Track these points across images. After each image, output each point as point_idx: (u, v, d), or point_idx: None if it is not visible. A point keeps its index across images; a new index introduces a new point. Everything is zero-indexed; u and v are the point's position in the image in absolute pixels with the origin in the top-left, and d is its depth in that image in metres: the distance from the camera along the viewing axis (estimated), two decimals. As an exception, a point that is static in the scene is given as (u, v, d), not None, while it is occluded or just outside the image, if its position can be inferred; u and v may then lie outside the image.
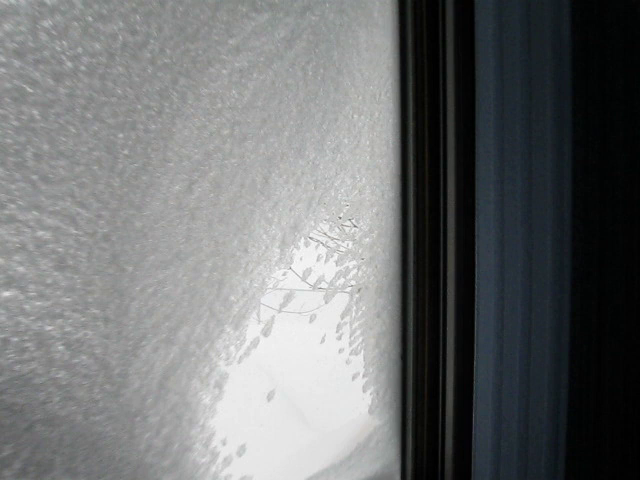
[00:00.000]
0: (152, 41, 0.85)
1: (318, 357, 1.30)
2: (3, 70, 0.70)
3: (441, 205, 1.34)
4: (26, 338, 0.75)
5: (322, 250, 1.29)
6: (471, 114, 1.24)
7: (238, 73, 0.99)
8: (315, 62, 1.16)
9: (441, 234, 1.36)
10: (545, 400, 1.17)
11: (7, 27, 0.70)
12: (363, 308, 1.38)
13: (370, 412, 1.41)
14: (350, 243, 1.36)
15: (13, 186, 0.72)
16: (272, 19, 1.05)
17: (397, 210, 1.44)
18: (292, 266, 1.18)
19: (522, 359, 1.21)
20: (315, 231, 1.24)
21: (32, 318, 0.75)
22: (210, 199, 0.97)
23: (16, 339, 0.74)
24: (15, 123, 0.72)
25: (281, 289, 1.17)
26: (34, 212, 0.74)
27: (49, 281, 0.76)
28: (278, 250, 1.12)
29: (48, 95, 0.74)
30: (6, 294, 0.73)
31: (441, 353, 1.40)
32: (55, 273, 0.77)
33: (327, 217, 1.26)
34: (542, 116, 1.08)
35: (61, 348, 0.79)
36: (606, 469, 1.22)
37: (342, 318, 1.33)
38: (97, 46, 0.79)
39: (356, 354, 1.37)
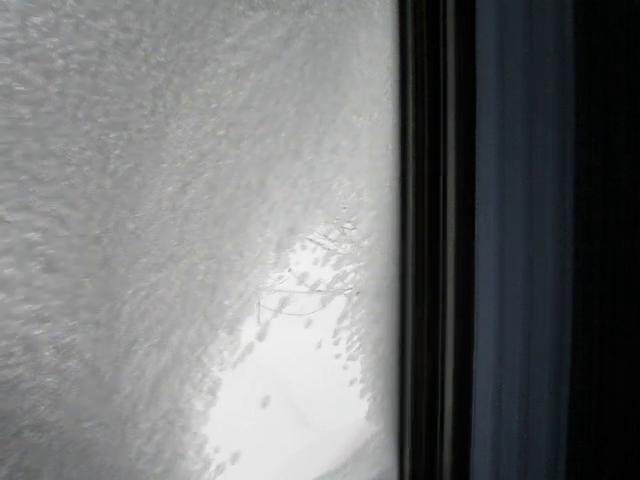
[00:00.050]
0: (145, 39, 0.84)
1: (314, 363, 1.29)
2: (-8, 67, 0.69)
3: (441, 208, 1.34)
4: (13, 342, 0.74)
5: (319, 253, 1.28)
6: (472, 115, 1.23)
7: (234, 72, 0.98)
8: (313, 62, 1.15)
9: (440, 237, 1.36)
10: (545, 409, 1.17)
11: (-4, 23, 0.70)
12: (361, 313, 1.37)
13: (367, 418, 1.41)
14: (348, 246, 1.35)
15: (1, 186, 0.71)
16: (269, 18, 1.04)
17: (396, 213, 1.43)
18: (288, 270, 1.17)
19: (522, 364, 1.20)
20: (312, 234, 1.23)
21: (20, 322, 0.74)
22: (204, 201, 0.96)
23: (3, 343, 0.73)
24: (4, 122, 0.71)
25: (280, 291, 1.16)
26: (23, 213, 0.73)
27: (38, 284, 0.75)
28: (274, 253, 1.11)
29: (38, 93, 0.73)
30: (-7, 297, 0.72)
31: (440, 359, 1.39)
32: (44, 275, 0.76)
33: (324, 220, 1.25)
34: (544, 117, 1.07)
35: (50, 353, 0.78)
36: (607, 470, 1.21)
37: (339, 323, 1.32)
38: (89, 43, 0.78)
39: (353, 359, 1.36)
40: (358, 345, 1.37)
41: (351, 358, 1.35)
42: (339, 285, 1.33)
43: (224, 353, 1.03)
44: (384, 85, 1.40)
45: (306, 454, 1.26)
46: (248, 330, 1.07)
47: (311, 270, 1.26)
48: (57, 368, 0.79)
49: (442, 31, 1.33)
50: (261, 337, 1.12)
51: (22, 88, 0.72)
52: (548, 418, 1.17)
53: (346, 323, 1.34)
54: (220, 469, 1.05)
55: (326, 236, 1.30)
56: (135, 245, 0.86)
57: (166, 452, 0.95)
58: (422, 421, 1.42)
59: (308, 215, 1.19)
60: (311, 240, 1.24)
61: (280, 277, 1.15)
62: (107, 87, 0.80)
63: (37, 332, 0.76)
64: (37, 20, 0.73)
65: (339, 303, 1.32)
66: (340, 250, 1.34)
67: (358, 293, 1.37)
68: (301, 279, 1.24)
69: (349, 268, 1.35)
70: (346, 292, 1.35)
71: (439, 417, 1.38)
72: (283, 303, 1.17)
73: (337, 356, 1.32)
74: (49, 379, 0.78)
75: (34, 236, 0.74)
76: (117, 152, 0.82)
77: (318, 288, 1.28)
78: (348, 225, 1.37)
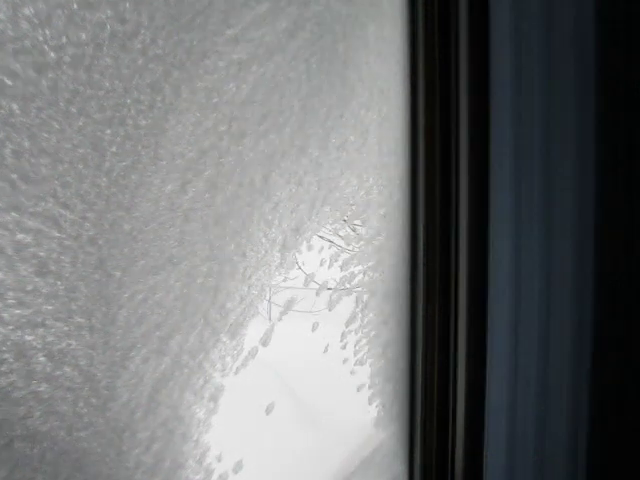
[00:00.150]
0: (143, 31, 0.82)
1: (321, 368, 1.27)
2: (-20, 61, 0.68)
3: (452, 207, 1.32)
4: (4, 349, 0.72)
5: (326, 254, 1.26)
6: (485, 110, 1.21)
7: (236, 65, 0.96)
8: (319, 55, 1.13)
9: (452, 237, 1.34)
10: (563, 416, 1.14)
11: (-15, 14, 0.68)
12: (369, 315, 1.36)
13: (376, 425, 1.39)
14: (356, 246, 1.34)
15: (-10, 185, 0.70)
16: (273, 8, 1.02)
17: (406, 212, 1.42)
18: (294, 271, 1.15)
19: (539, 371, 1.18)
20: (319, 234, 1.22)
21: (11, 327, 0.72)
22: (205, 200, 0.94)
23: (-7, 350, 0.71)
24: (-7, 118, 0.69)
25: (285, 293, 1.15)
26: (13, 213, 0.71)
27: (29, 287, 0.73)
28: (278, 254, 1.10)
29: (29, 88, 0.71)
30: (-17, 301, 0.70)
31: (451, 363, 1.37)
32: (36, 279, 0.74)
33: (331, 219, 1.23)
34: (563, 111, 1.05)
35: (42, 359, 0.76)
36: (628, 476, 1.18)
37: (347, 326, 1.31)
38: (83, 36, 0.76)
39: (361, 364, 1.35)
40: (367, 349, 1.36)
41: (359, 362, 1.34)
42: (347, 286, 1.31)
43: (226, 358, 1.01)
44: (393, 79, 1.38)
45: (312, 462, 1.25)
46: (252, 334, 1.06)
47: (318, 271, 1.25)
48: (50, 375, 0.77)
49: (454, 23, 1.31)
50: (265, 342, 1.10)
51: (12, 82, 0.70)
52: (566, 426, 1.14)
53: (354, 326, 1.33)
54: (222, 478, 1.04)
55: (333, 236, 1.29)
56: (132, 246, 0.84)
57: (166, 461, 0.93)
58: (433, 428, 1.41)
59: (314, 214, 1.17)
60: (318, 240, 1.22)
61: (285, 279, 1.13)
62: (102, 81, 0.78)
63: (29, 338, 0.74)
64: (28, 11, 0.71)
65: (347, 305, 1.31)
66: (348, 250, 1.32)
67: (366, 295, 1.36)
68: (307, 281, 1.22)
69: (357, 269, 1.34)
70: (354, 294, 1.33)
71: (451, 424, 1.36)
72: (288, 306, 1.15)
73: (345, 361, 1.31)
74: (42, 387, 0.76)
75: (25, 238, 0.72)
76: (113, 149, 0.80)
77: (325, 290, 1.26)
78: (356, 224, 1.35)
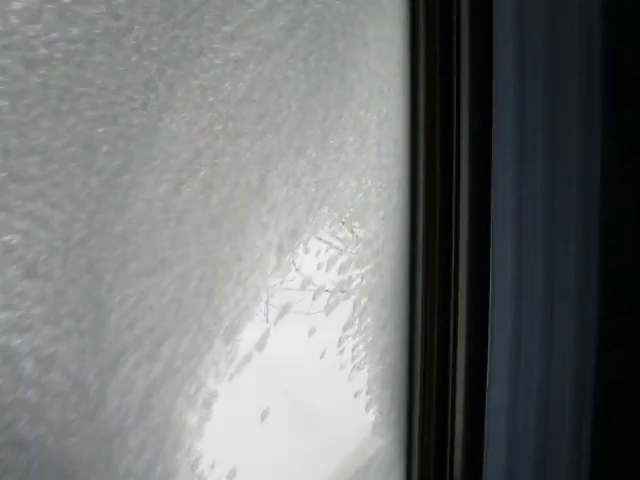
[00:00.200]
0: (137, 27, 0.81)
1: (317, 374, 1.26)
2: (-32, 56, 0.66)
3: (453, 209, 1.31)
4: (-10, 353, 0.71)
5: (323, 257, 1.25)
6: (487, 111, 1.20)
7: (233, 64, 0.95)
8: (318, 53, 1.13)
9: (453, 240, 1.33)
10: (567, 424, 1.13)
11: (-27, 8, 0.66)
12: (367, 320, 1.36)
13: (373, 432, 1.39)
14: (354, 249, 1.33)
15: (-23, 185, 0.68)
16: (271, 5, 1.01)
17: (405, 215, 1.42)
18: (290, 274, 1.14)
19: (540, 378, 1.17)
20: (316, 237, 1.21)
21: (-3, 331, 0.71)
22: (200, 201, 0.93)
23: (-22, 355, 0.70)
24: (-20, 115, 0.68)
25: (281, 297, 1.14)
26: (0, 214, 0.70)
27: (17, 290, 0.72)
28: (275, 257, 1.09)
29: (18, 84, 0.70)
30: (-31, 304, 0.69)
31: (451, 369, 1.37)
32: (24, 282, 0.72)
33: (329, 222, 1.22)
34: (567, 109, 1.03)
35: (30, 364, 0.74)
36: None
37: (344, 331, 1.30)
38: (75, 31, 0.75)
39: (359, 370, 1.34)
40: (364, 354, 1.35)
41: (356, 368, 1.33)
42: (344, 291, 1.30)
43: (220, 364, 1.00)
44: (393, 79, 1.38)
45: (307, 470, 1.24)
46: (246, 339, 1.04)
47: (314, 275, 1.24)
48: (38, 381, 0.76)
49: (456, 23, 1.30)
50: (260, 347, 1.09)
51: (0, 79, 0.68)
52: (569, 435, 1.13)
53: (351, 331, 1.32)
54: (215, 487, 1.02)
55: (331, 239, 1.27)
56: (123, 249, 0.83)
57: (157, 469, 0.92)
58: (431, 437, 1.40)
59: (312, 216, 1.17)
60: (315, 242, 1.21)
61: (281, 282, 1.12)
62: (94, 78, 0.77)
63: (16, 342, 0.73)
64: (18, 5, 0.70)
65: (344, 310, 1.31)
66: (346, 253, 1.31)
67: (364, 300, 1.35)
68: (304, 284, 1.21)
69: (355, 273, 1.33)
70: (352, 298, 1.32)
71: (449, 432, 1.35)
72: (284, 310, 1.14)
73: (342, 367, 1.30)
74: (29, 393, 0.75)
75: (13, 239, 0.71)
76: (105, 148, 0.79)
77: (322, 294, 1.25)
78: (354, 227, 1.34)
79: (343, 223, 1.28)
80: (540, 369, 1.17)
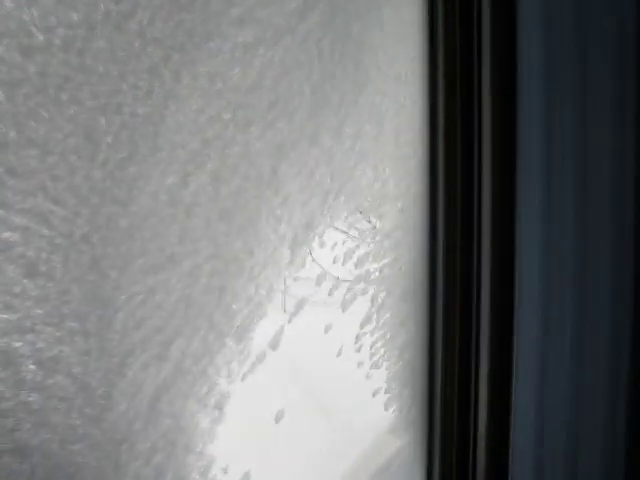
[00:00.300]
0: (140, 10, 0.79)
1: (334, 372, 1.24)
2: (-39, 44, 0.65)
3: (475, 200, 1.28)
4: (-10, 356, 0.69)
5: (339, 251, 1.23)
6: (511, 96, 1.16)
7: (242, 49, 0.93)
8: (331, 37, 1.10)
9: (475, 233, 1.31)
10: (599, 426, 1.09)
11: (-34, -7, 0.65)
12: (386, 316, 1.34)
13: (392, 432, 1.38)
14: (372, 242, 1.30)
15: (-26, 180, 0.67)
16: (281, -14, 0.99)
17: (424, 205, 1.39)
18: (305, 269, 1.12)
19: (571, 377, 1.13)
20: (332, 229, 1.19)
21: (-3, 333, 0.70)
22: (209, 193, 0.91)
23: (-23, 358, 0.69)
24: (-24, 106, 0.66)
25: (295, 293, 1.12)
26: (-1, 210, 0.68)
27: (17, 290, 0.71)
28: (288, 251, 1.07)
29: (15, 73, 0.68)
30: (-33, 305, 0.67)
31: (473, 367, 1.35)
32: (24, 281, 0.71)
33: (345, 213, 1.20)
34: (599, 96, 1.00)
35: (32, 367, 0.73)
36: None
37: (362, 327, 1.29)
38: (74, 16, 0.73)
39: (377, 368, 1.33)
40: (383, 352, 1.34)
41: (375, 366, 1.32)
42: (362, 285, 1.28)
43: (232, 364, 0.99)
44: (411, 63, 1.35)
45: (324, 472, 1.23)
46: (259, 338, 1.03)
47: (330, 269, 1.22)
48: (41, 384, 0.74)
49: (477, 2, 1.26)
50: (274, 345, 1.07)
51: (-4, 67, 0.67)
52: (601, 440, 1.10)
53: (369, 327, 1.31)
54: (229, 491, 1.01)
55: (347, 231, 1.25)
56: (129, 244, 0.81)
57: (167, 475, 0.91)
58: (453, 435, 1.39)
59: (327, 208, 1.15)
60: (331, 235, 1.19)
61: (296, 278, 1.10)
62: (96, 66, 0.75)
63: (17, 344, 0.72)
64: (13, -11, 0.68)
65: (362, 305, 1.29)
66: (363, 247, 1.29)
67: (383, 294, 1.33)
68: (319, 279, 1.19)
69: (373, 266, 1.31)
70: (369, 293, 1.30)
71: (472, 432, 1.33)
72: (299, 307, 1.12)
73: (359, 364, 1.29)
74: (32, 397, 0.74)
75: (12, 236, 0.70)
76: (108, 139, 0.77)
77: (338, 289, 1.23)
78: (371, 218, 1.32)
79: (360, 214, 1.26)
80: (570, 368, 1.14)
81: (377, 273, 1.32)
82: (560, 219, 1.11)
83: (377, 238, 1.31)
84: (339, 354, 1.24)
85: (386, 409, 1.35)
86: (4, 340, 0.70)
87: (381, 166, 1.28)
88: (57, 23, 0.72)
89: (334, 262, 1.23)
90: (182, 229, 0.88)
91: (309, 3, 1.04)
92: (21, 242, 0.71)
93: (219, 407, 0.97)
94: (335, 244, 1.21)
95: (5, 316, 0.70)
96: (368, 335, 1.30)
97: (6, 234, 0.69)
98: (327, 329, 1.21)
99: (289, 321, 1.10)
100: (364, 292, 1.29)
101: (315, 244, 1.14)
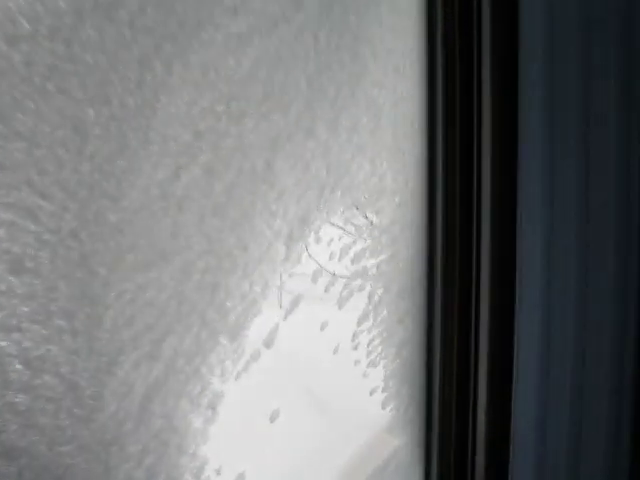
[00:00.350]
0: (130, -2, 0.78)
1: (330, 370, 1.24)
2: (-57, 32, 0.63)
3: (474, 195, 1.28)
4: (-26, 356, 0.68)
5: (336, 246, 1.22)
6: (512, 89, 1.16)
7: (235, 39, 0.92)
8: (328, 28, 1.09)
9: (474, 228, 1.30)
10: (602, 428, 1.09)
11: (-52, -21, 0.63)
12: (383, 313, 1.34)
13: (389, 431, 1.38)
14: (369, 238, 1.30)
15: (-43, 173, 0.65)
16: (277, -25, 0.97)
17: (423, 201, 1.39)
18: (300, 265, 1.12)
19: (573, 377, 1.13)
20: (328, 224, 1.18)
21: (-18, 332, 0.68)
22: (201, 188, 0.90)
23: (-39, 358, 0.68)
24: (-42, 97, 0.65)
25: (290, 290, 1.11)
26: (-18, 205, 0.67)
27: (3, 287, 0.69)
28: (284, 247, 1.06)
29: (-1, 62, 0.67)
30: (-49, 303, 0.66)
31: (472, 365, 1.35)
32: (10, 278, 0.70)
33: (342, 208, 1.20)
34: (604, 89, 0.99)
35: (19, 367, 0.72)
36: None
37: (359, 325, 1.28)
38: (61, 4, 0.72)
39: (374, 366, 1.32)
40: (380, 349, 1.34)
41: (372, 364, 1.32)
42: (358, 282, 1.28)
43: (226, 362, 0.98)
44: (409, 55, 1.35)
45: (319, 472, 1.22)
46: (254, 335, 1.02)
47: (327, 265, 1.21)
48: (28, 385, 0.73)
49: (476, -7, 1.25)
50: (269, 343, 1.07)
51: (-21, 56, 0.65)
52: (604, 438, 1.09)
53: (366, 325, 1.30)
54: (222, 493, 1.00)
55: (344, 226, 1.24)
56: (119, 240, 0.80)
57: (159, 477, 0.90)
58: (451, 435, 1.39)
59: (323, 203, 1.14)
60: (327, 230, 1.18)
61: (291, 274, 1.09)
62: (84, 55, 0.74)
63: (3, 343, 0.70)
64: (-2, -25, 0.66)
65: (358, 302, 1.28)
66: (360, 242, 1.28)
67: (380, 290, 1.32)
68: (315, 276, 1.18)
69: (370, 262, 1.31)
70: (366, 290, 1.30)
71: (471, 431, 1.33)
72: (294, 304, 1.11)
73: (356, 362, 1.28)
74: (19, 398, 0.73)
75: (-3, 231, 0.68)
76: (96, 132, 0.76)
77: (334, 286, 1.22)
78: (368, 213, 1.31)
79: (357, 209, 1.25)
80: (572, 367, 1.14)
81: (374, 269, 1.32)
82: (561, 215, 1.10)
83: (374, 234, 1.31)
84: (335, 352, 1.23)
85: (383, 408, 1.35)
86: (-11, 339, 0.69)
87: (378, 160, 1.27)
88: (43, 11, 0.70)
89: (330, 258, 1.22)
90: (174, 224, 0.87)
91: (305, -8, 1.03)
92: (6, 238, 0.69)
93: (212, 407, 0.96)
94: (331, 240, 1.20)
95: (-10, 314, 0.69)
96: (365, 332, 1.29)
97: (-9, 229, 0.68)
98: (323, 326, 1.20)
99: (284, 318, 1.10)
100: (361, 289, 1.29)
101: (311, 240, 1.14)
